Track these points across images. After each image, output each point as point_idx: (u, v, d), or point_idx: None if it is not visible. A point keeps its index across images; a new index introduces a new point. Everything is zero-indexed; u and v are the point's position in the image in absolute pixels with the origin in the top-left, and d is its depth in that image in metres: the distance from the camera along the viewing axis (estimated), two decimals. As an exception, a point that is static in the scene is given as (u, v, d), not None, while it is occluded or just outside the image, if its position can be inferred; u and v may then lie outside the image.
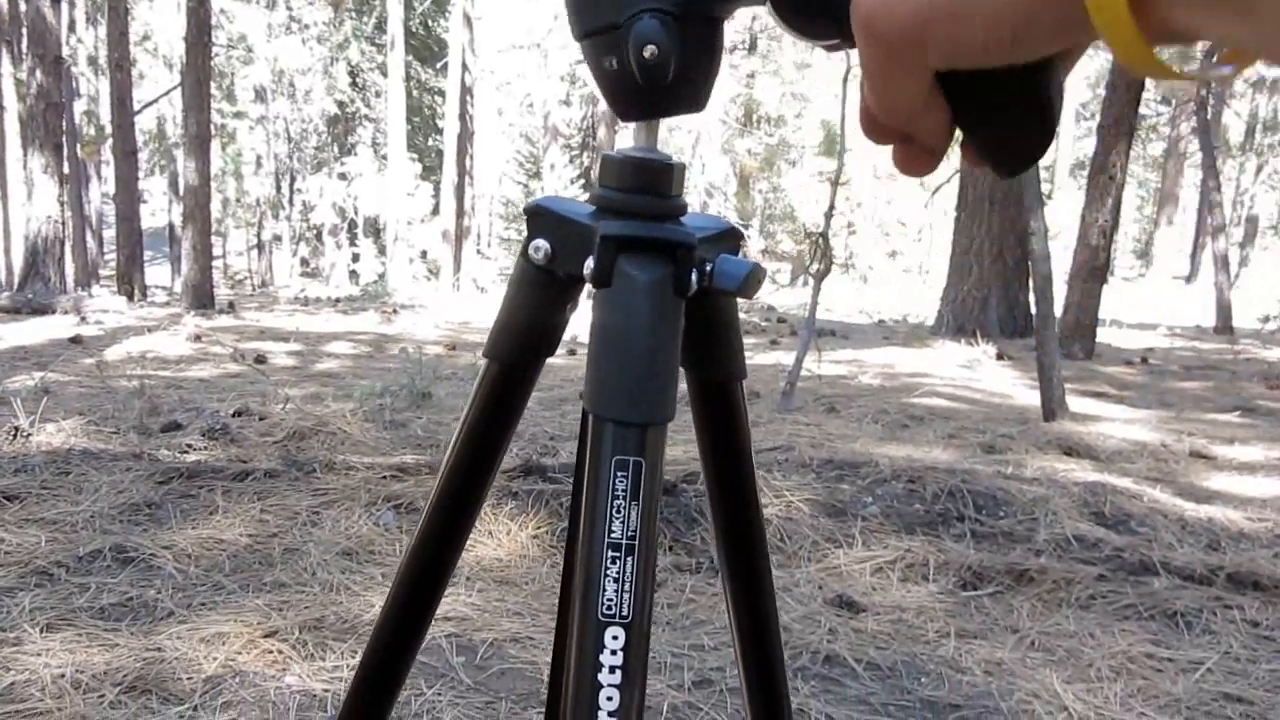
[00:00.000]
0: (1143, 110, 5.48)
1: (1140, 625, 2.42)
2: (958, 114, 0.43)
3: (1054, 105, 0.44)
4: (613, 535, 0.49)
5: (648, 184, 0.54)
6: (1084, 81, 32.52)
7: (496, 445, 0.64)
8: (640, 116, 0.52)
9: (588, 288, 0.55)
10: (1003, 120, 0.44)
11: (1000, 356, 8.79)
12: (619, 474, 0.50)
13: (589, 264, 0.52)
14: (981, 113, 0.44)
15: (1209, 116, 14.11)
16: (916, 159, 0.45)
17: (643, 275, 0.51)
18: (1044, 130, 0.44)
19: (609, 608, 0.49)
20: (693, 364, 0.62)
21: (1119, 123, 8.64)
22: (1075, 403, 5.69)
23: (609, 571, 0.49)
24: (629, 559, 0.49)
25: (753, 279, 0.53)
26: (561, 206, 0.56)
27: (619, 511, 0.49)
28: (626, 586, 0.49)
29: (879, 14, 0.38)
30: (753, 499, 0.68)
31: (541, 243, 0.56)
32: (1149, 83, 11.21)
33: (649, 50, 0.46)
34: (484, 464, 0.64)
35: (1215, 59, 0.36)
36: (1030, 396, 5.95)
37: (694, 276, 0.52)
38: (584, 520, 0.51)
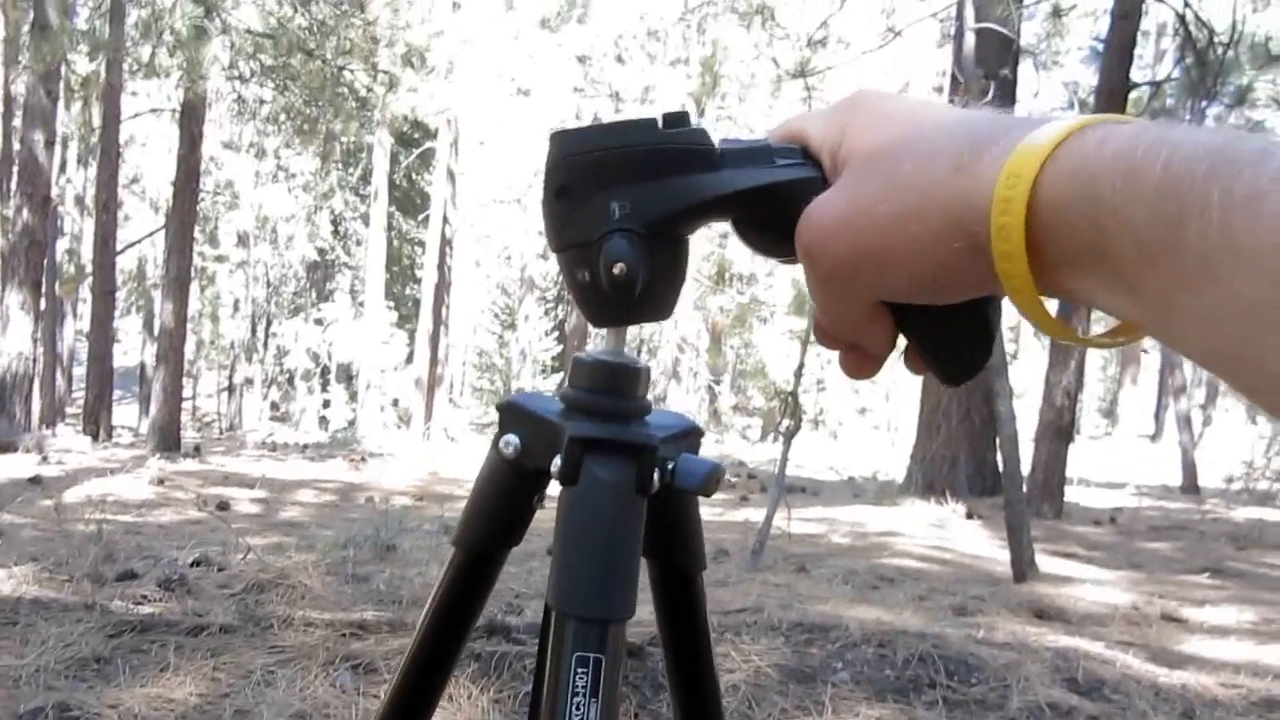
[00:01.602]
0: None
1: (1116, 804, 2.35)
2: (901, 328, 0.47)
3: (991, 326, 0.48)
4: None
5: (614, 386, 0.57)
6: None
7: (462, 628, 0.65)
8: (609, 324, 0.55)
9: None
10: (942, 338, 0.47)
11: (970, 515, 8.80)
12: (579, 670, 0.50)
13: (557, 461, 0.54)
14: (922, 331, 0.47)
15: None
16: (860, 364, 0.49)
17: (607, 475, 0.53)
18: (981, 348, 0.48)
19: None
20: (654, 555, 0.63)
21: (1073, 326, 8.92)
22: (1045, 563, 5.68)
23: None
24: None
25: (712, 478, 0.55)
26: (532, 403, 0.59)
27: (579, 708, 0.50)
28: None
29: (816, 249, 0.43)
30: (712, 684, 0.68)
31: (512, 438, 0.58)
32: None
33: (618, 268, 0.49)
34: (450, 646, 0.65)
35: (1107, 331, 0.40)
36: (1000, 556, 5.93)
37: (656, 476, 0.54)
38: (544, 715, 0.51)
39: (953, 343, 0.47)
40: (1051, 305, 0.39)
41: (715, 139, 0.50)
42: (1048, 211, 0.34)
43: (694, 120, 0.51)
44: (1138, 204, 0.31)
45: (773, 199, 0.49)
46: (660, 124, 0.50)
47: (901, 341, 0.49)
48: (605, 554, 0.52)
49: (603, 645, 0.51)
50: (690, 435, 0.60)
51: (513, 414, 0.59)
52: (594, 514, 0.53)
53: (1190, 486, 13.28)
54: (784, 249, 0.49)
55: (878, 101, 0.46)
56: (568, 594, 0.52)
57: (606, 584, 0.52)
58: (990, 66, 8.30)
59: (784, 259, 0.50)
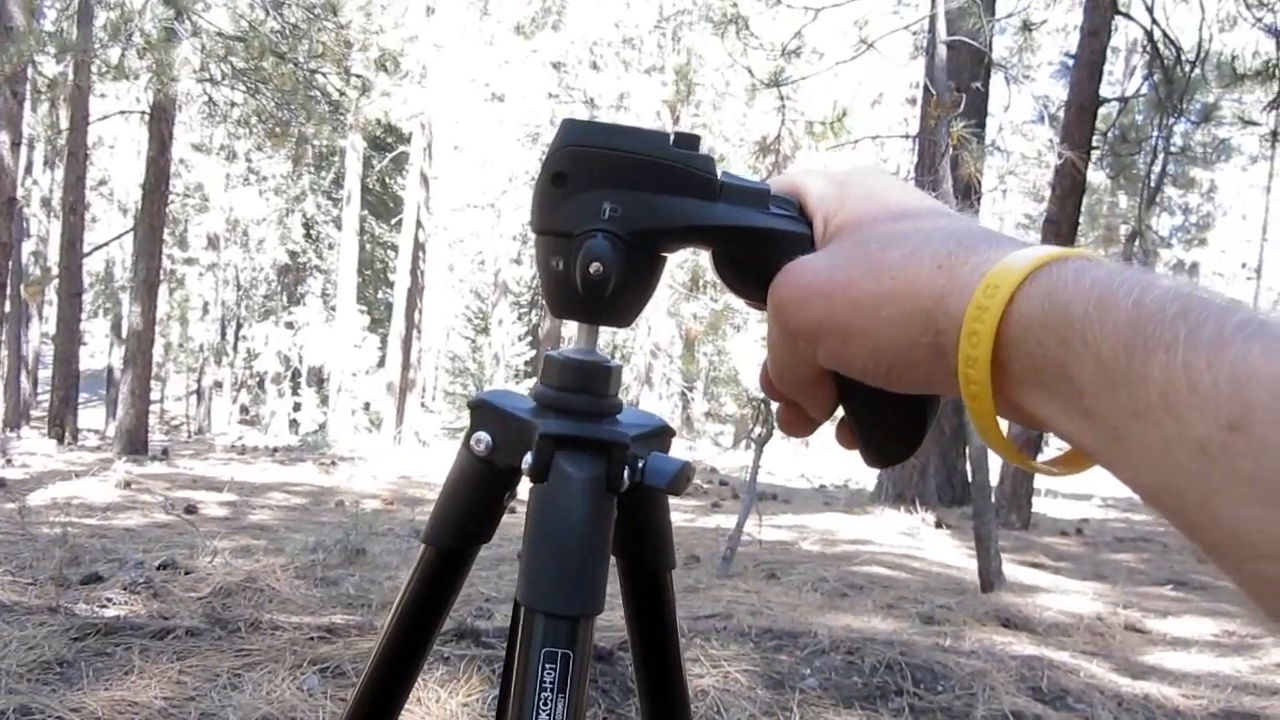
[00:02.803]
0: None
1: (1078, 809, 2.38)
2: (843, 400, 0.49)
3: (925, 424, 0.49)
4: None
5: (586, 384, 0.57)
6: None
7: (432, 626, 0.65)
8: (571, 318, 0.56)
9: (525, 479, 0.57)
10: (878, 422, 0.49)
11: (939, 524, 8.86)
12: (548, 666, 0.51)
13: (527, 459, 0.55)
14: (861, 409, 0.49)
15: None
16: (796, 422, 0.51)
17: (578, 472, 0.54)
18: (911, 442, 0.49)
19: None
20: (624, 553, 0.64)
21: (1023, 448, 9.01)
22: (1013, 572, 5.73)
23: None
24: None
25: (682, 476, 0.55)
26: (504, 401, 0.59)
27: (546, 704, 0.50)
28: None
29: (787, 306, 0.45)
30: (680, 684, 0.69)
31: (483, 435, 0.59)
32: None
33: (594, 266, 0.50)
34: (419, 644, 0.65)
35: (1055, 459, 0.41)
36: (969, 565, 5.98)
37: (626, 474, 0.55)
38: (511, 712, 0.52)
39: (887, 429, 0.49)
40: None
41: (719, 170, 0.51)
42: (1018, 327, 0.36)
43: (702, 148, 0.51)
44: (1106, 330, 0.33)
45: (758, 243, 0.50)
46: (671, 141, 0.51)
47: (838, 413, 0.50)
48: (575, 550, 0.53)
49: (572, 641, 0.52)
50: (661, 434, 0.61)
51: (484, 412, 0.59)
52: (564, 511, 0.53)
53: (1155, 498, 13.41)
54: (754, 293, 0.50)
55: (881, 183, 0.48)
56: (537, 590, 0.53)
57: (576, 580, 0.53)
58: (962, 79, 8.38)
59: (750, 303, 0.52)
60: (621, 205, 0.51)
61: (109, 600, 3.58)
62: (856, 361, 0.43)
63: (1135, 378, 0.31)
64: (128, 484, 8.26)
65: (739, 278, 0.52)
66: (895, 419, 0.48)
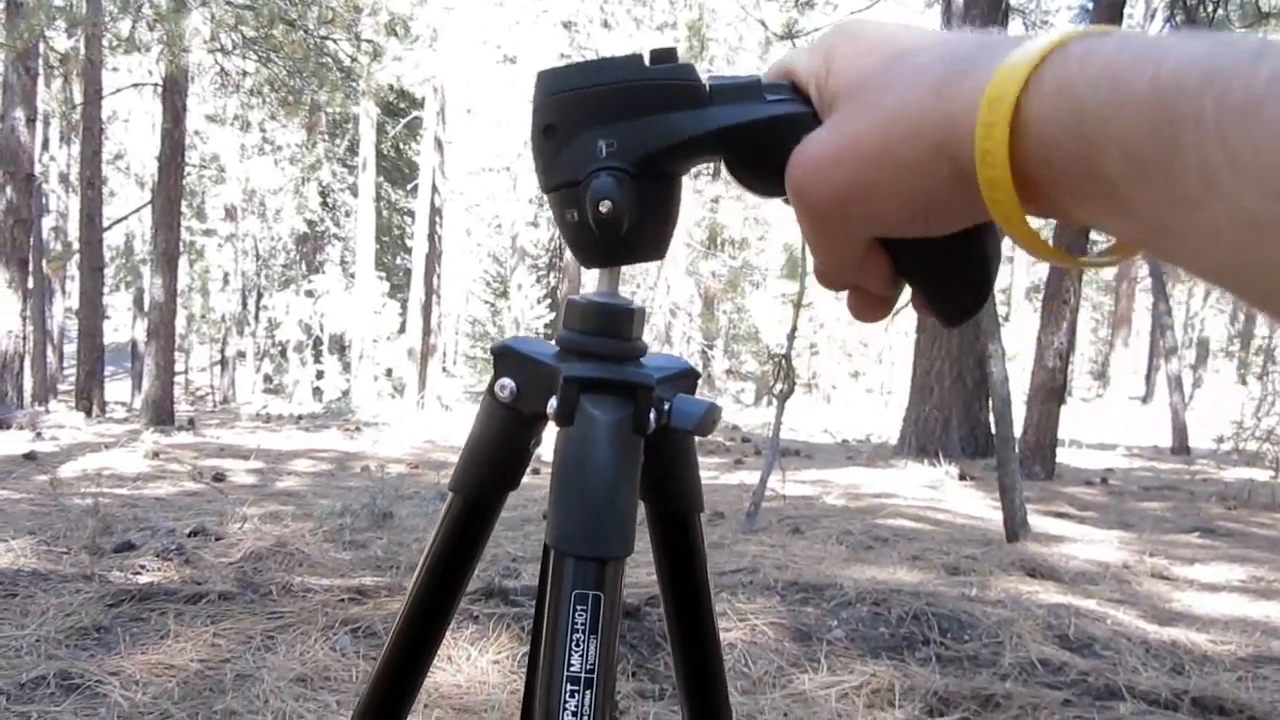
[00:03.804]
0: (1093, 235, 5.67)
1: (1107, 753, 2.39)
2: (899, 269, 0.47)
3: (990, 263, 0.47)
4: (571, 669, 0.50)
5: (609, 328, 0.57)
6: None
7: (461, 576, 0.65)
8: (600, 264, 0.55)
9: (551, 424, 0.57)
10: (941, 276, 0.47)
11: (963, 477, 8.85)
12: (579, 608, 0.51)
13: (552, 403, 0.55)
14: (919, 269, 0.47)
15: (1156, 244, 14.62)
16: (869, 306, 0.48)
17: (604, 415, 0.54)
18: (981, 285, 0.47)
19: None
20: (652, 498, 0.64)
21: (1070, 247, 8.89)
22: (1038, 523, 5.73)
23: (568, 705, 0.50)
24: (587, 692, 0.50)
25: (708, 418, 0.55)
26: (527, 347, 0.59)
27: (578, 645, 0.51)
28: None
29: (805, 188, 0.43)
30: (711, 628, 0.69)
31: (508, 381, 0.58)
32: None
33: (604, 205, 0.49)
34: (448, 594, 0.65)
35: (1101, 250, 0.40)
36: (993, 517, 5.97)
37: (652, 416, 0.55)
38: (543, 653, 0.52)
39: (951, 279, 0.47)
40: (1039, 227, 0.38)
41: (704, 76, 0.50)
42: (1032, 132, 0.34)
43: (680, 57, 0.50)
44: (1127, 117, 0.30)
45: (763, 136, 0.48)
46: (647, 60, 0.50)
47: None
48: (602, 493, 0.53)
49: (601, 583, 0.52)
50: (686, 377, 0.61)
51: (508, 358, 0.59)
52: (591, 454, 0.53)
53: (1181, 447, 13.36)
54: (777, 187, 0.48)
55: (860, 31, 0.45)
56: (565, 533, 0.53)
57: (604, 523, 0.52)
58: (979, 25, 8.25)
59: (781, 197, 0.50)
60: (616, 138, 0.50)
61: (142, 567, 3.63)
62: (890, 219, 0.41)
63: (1169, 164, 0.29)
64: (156, 454, 8.36)
65: (757, 177, 0.50)
66: (956, 267, 0.46)
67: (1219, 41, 0.30)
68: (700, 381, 0.63)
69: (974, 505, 7.14)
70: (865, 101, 0.41)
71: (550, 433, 0.60)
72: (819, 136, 0.43)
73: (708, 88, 0.50)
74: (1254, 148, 0.27)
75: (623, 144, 0.50)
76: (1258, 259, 0.28)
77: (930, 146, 0.38)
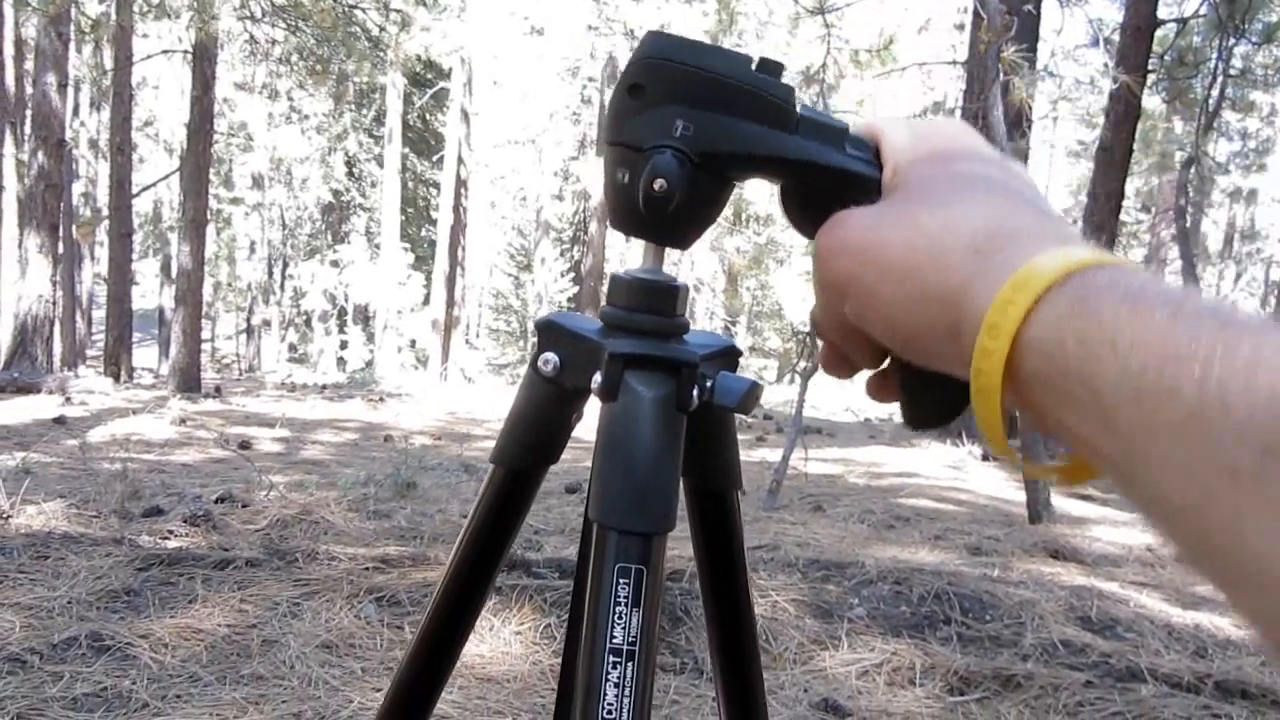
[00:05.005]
0: (1123, 218, 5.62)
1: (1128, 736, 2.39)
2: (889, 353, 0.48)
3: (966, 398, 0.47)
4: (614, 641, 0.51)
5: (653, 304, 0.57)
6: (1065, 189, 33.25)
7: (500, 547, 0.66)
8: (629, 233, 0.55)
9: (593, 399, 0.57)
10: (919, 382, 0.47)
11: (986, 457, 8.82)
12: (621, 581, 0.52)
13: (597, 378, 0.55)
14: (903, 366, 0.48)
15: (1188, 224, 14.44)
16: (836, 363, 0.50)
17: (648, 391, 0.54)
18: (950, 410, 0.48)
19: (609, 712, 0.50)
20: (691, 474, 0.64)
21: (1100, 229, 8.85)
22: (1061, 504, 5.71)
23: (610, 677, 0.50)
24: (629, 665, 0.51)
25: (751, 396, 0.55)
26: (571, 322, 0.59)
27: (620, 618, 0.51)
28: (627, 692, 0.50)
29: (824, 256, 0.45)
30: (746, 605, 0.70)
31: (551, 356, 0.59)
32: (1128, 190, 11.52)
33: (659, 183, 0.49)
34: (488, 564, 0.66)
35: (1055, 465, 0.39)
36: (1016, 498, 5.96)
37: (695, 393, 0.55)
38: (586, 625, 0.52)
39: (928, 389, 0.47)
40: None
41: (798, 103, 0.50)
42: (1043, 325, 0.35)
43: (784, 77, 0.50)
44: (1137, 338, 0.31)
45: (828, 182, 0.49)
46: (754, 65, 0.50)
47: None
48: (646, 469, 0.53)
49: (645, 557, 0.52)
50: (729, 354, 0.61)
51: (552, 332, 0.59)
52: (635, 429, 0.54)
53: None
54: (815, 232, 0.49)
55: (955, 141, 0.47)
56: (610, 507, 0.53)
57: (647, 498, 0.53)
58: (1013, 2, 8.12)
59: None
60: (695, 124, 0.50)
61: (170, 532, 3.68)
62: (876, 326, 0.43)
63: (1164, 391, 0.30)
64: (183, 420, 8.45)
65: (804, 215, 0.51)
66: (933, 382, 0.45)
67: (1236, 303, 0.32)
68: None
69: (996, 486, 7.12)
70: (911, 211, 0.42)
71: (591, 407, 0.61)
72: (858, 217, 0.44)
73: (798, 115, 0.50)
74: (1250, 402, 0.27)
75: (699, 132, 0.50)
76: (1224, 506, 0.28)
77: (942, 290, 0.39)
